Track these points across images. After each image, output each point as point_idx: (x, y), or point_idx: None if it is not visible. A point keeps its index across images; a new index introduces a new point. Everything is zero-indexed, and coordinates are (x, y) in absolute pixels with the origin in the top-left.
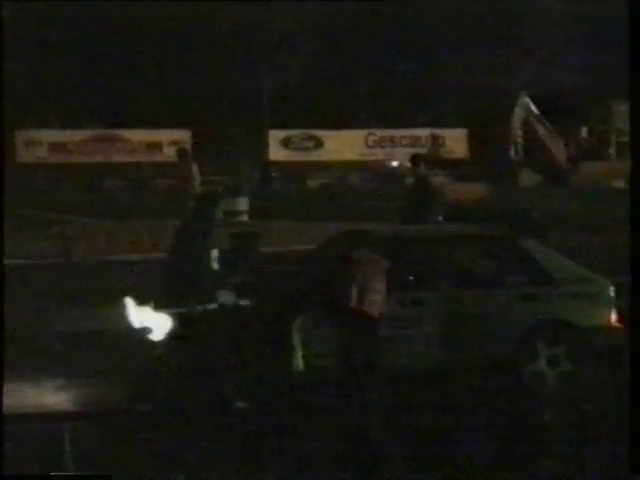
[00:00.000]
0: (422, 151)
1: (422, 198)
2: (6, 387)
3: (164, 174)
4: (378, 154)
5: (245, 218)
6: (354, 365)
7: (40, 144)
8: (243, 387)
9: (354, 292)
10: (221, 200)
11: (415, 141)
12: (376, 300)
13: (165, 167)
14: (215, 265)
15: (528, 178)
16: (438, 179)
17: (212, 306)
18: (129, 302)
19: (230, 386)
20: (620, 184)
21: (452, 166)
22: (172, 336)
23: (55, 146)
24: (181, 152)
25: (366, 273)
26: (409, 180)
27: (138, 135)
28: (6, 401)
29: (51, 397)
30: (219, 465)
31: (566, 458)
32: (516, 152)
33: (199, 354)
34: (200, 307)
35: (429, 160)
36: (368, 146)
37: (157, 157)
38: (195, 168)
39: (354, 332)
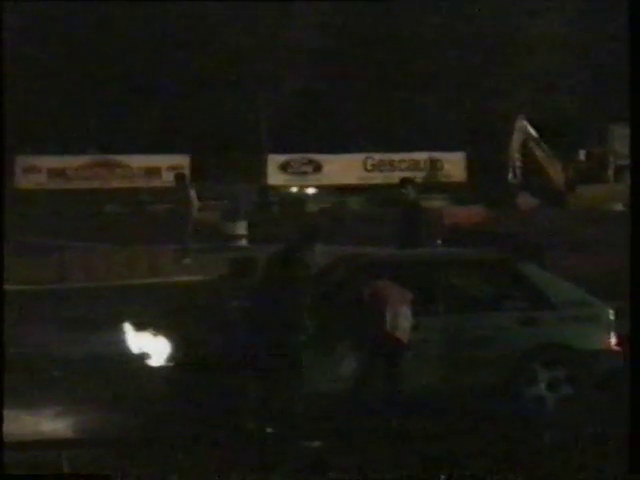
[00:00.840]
0: (420, 175)
1: (412, 222)
2: (4, 414)
3: (163, 199)
4: (377, 178)
5: (244, 242)
6: (376, 390)
7: (39, 170)
8: (254, 409)
9: (388, 318)
10: (322, 234)
11: (414, 165)
12: (407, 327)
13: (164, 192)
14: (307, 300)
15: (526, 201)
16: (436, 203)
17: (302, 338)
18: (128, 327)
19: (241, 408)
20: (618, 207)
21: (450, 190)
22: (177, 361)
23: (54, 172)
24: (179, 177)
25: (396, 301)
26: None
27: (137, 160)
28: (4, 428)
29: (50, 424)
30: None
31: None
32: (514, 175)
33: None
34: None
35: (422, 184)
36: (367, 170)
37: (156, 182)
38: (193, 193)
39: (381, 357)
